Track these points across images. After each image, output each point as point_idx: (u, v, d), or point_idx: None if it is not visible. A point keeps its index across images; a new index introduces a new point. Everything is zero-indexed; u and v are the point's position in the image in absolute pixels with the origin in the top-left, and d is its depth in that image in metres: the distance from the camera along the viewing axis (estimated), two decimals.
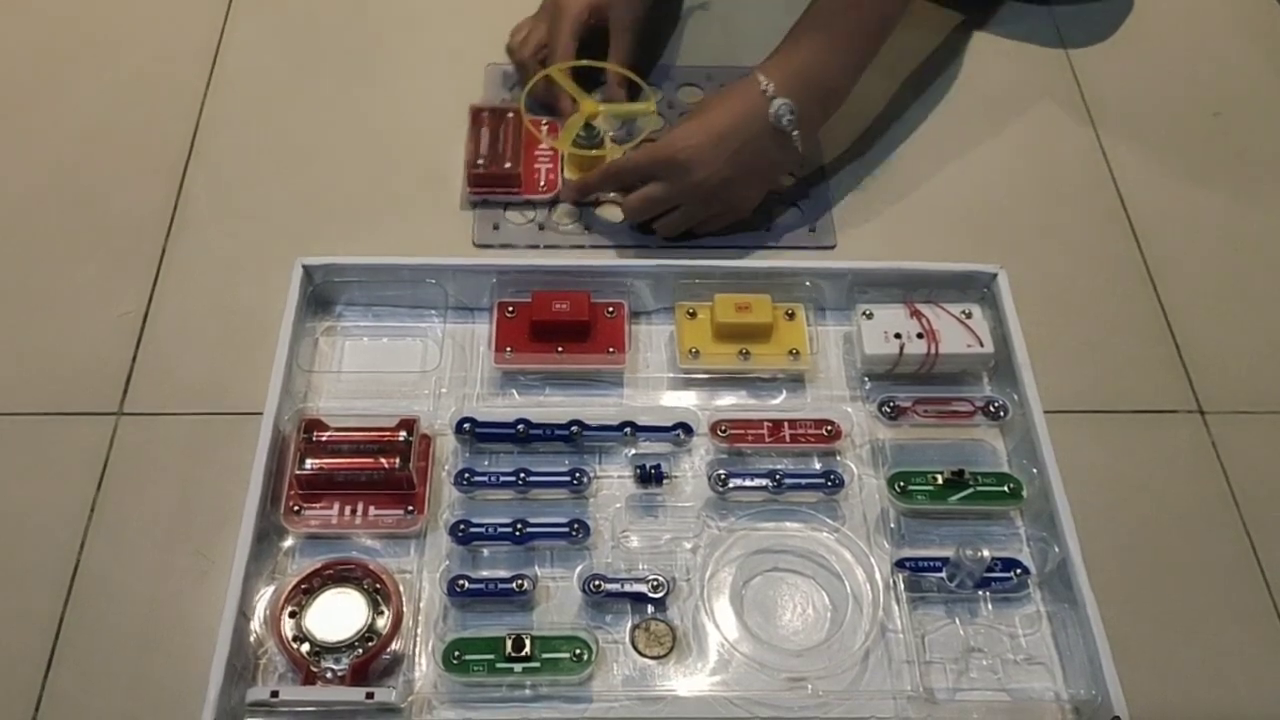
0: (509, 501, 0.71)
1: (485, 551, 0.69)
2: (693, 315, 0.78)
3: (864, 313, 0.76)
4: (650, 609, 0.67)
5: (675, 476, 0.72)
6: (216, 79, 0.94)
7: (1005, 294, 0.77)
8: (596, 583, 0.67)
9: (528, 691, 0.64)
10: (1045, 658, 0.67)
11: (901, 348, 0.75)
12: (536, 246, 0.84)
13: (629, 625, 0.67)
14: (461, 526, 0.69)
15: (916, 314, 0.76)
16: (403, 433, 0.70)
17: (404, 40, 0.98)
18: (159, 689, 0.65)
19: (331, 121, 0.92)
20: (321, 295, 0.79)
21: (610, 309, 0.78)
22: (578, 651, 0.64)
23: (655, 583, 0.67)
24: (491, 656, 0.64)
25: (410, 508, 0.70)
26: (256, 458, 0.68)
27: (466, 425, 0.73)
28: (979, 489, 0.71)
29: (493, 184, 0.85)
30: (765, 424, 0.73)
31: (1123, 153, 0.93)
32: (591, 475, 0.71)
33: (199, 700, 0.60)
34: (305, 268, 0.77)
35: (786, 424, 0.73)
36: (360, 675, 0.63)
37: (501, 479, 0.71)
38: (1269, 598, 0.71)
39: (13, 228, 0.85)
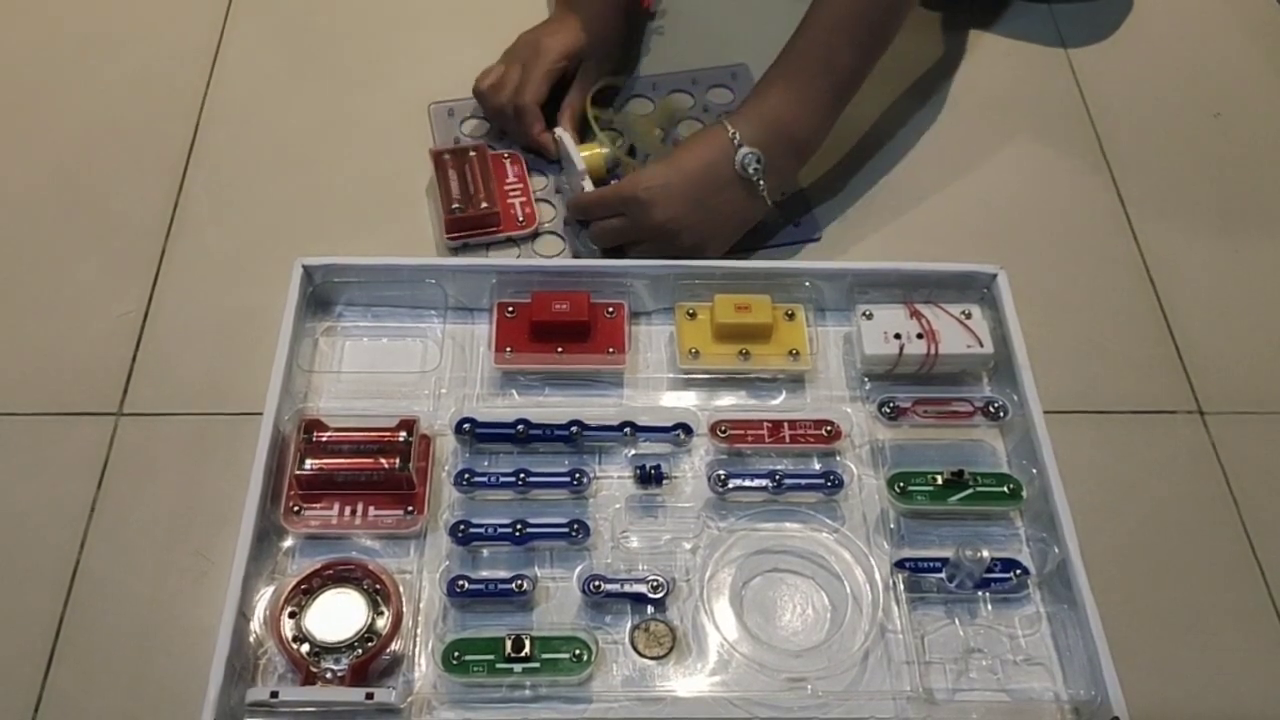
0: (509, 502, 0.71)
1: (485, 552, 0.69)
2: (693, 315, 0.78)
3: (864, 313, 0.76)
4: (650, 609, 0.67)
5: (675, 477, 0.72)
6: (217, 79, 0.94)
7: (1005, 294, 0.77)
8: (596, 583, 0.67)
9: (527, 692, 0.64)
10: (1045, 658, 0.67)
11: (901, 348, 0.75)
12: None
13: (629, 626, 0.67)
14: (461, 527, 0.69)
15: (916, 314, 0.76)
16: (403, 433, 0.70)
17: (404, 40, 0.98)
18: (159, 689, 0.65)
19: (331, 122, 0.92)
20: (321, 295, 0.79)
21: (610, 309, 0.78)
22: (577, 652, 0.64)
23: (655, 583, 0.67)
24: (491, 657, 0.64)
25: (410, 508, 0.70)
26: (256, 458, 0.68)
27: (466, 425, 0.73)
28: (978, 489, 0.71)
29: (471, 227, 0.83)
30: (765, 424, 0.73)
31: (1123, 152, 0.93)
32: (591, 476, 0.71)
33: (199, 700, 0.60)
34: (305, 268, 0.77)
35: (786, 424, 0.73)
36: (360, 676, 0.63)
37: (501, 479, 0.71)
38: (1269, 598, 0.71)
39: (13, 228, 0.85)
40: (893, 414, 0.74)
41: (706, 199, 0.79)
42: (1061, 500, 0.69)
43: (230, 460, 0.72)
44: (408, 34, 0.99)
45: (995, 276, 0.78)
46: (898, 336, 0.75)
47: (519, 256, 0.84)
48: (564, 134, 0.85)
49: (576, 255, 0.84)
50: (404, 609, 0.66)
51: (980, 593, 0.69)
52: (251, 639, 0.65)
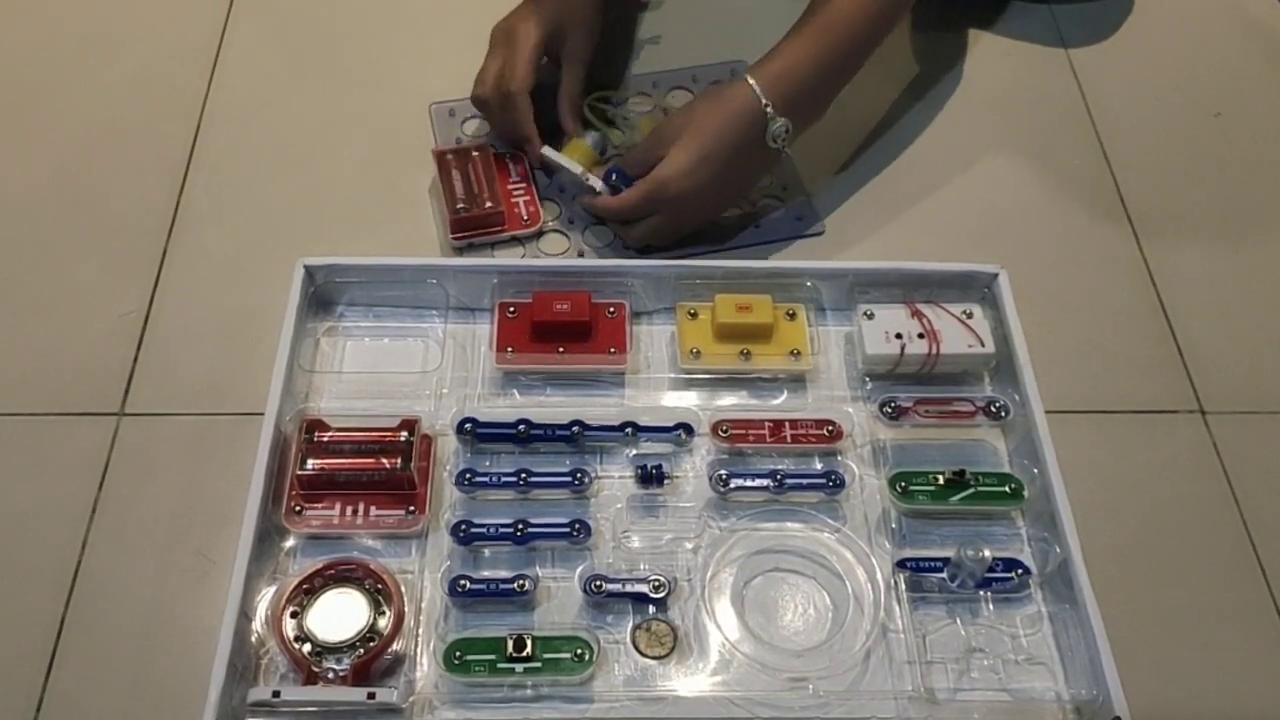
0: (510, 502, 0.71)
1: (486, 552, 0.70)
2: (694, 315, 0.78)
3: (865, 313, 0.76)
4: (651, 609, 0.67)
5: (676, 477, 0.72)
6: (218, 79, 0.95)
7: (1006, 294, 0.77)
8: (598, 583, 0.67)
9: (529, 692, 0.64)
10: (1046, 658, 0.67)
11: (902, 348, 0.75)
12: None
13: (630, 625, 0.67)
14: (463, 527, 0.69)
15: (917, 314, 0.76)
16: (404, 433, 0.70)
17: (405, 40, 0.98)
18: (160, 689, 0.65)
19: (333, 122, 0.92)
20: (323, 295, 0.79)
21: (611, 309, 0.78)
22: (579, 652, 0.64)
23: (656, 583, 0.67)
24: (493, 657, 0.64)
25: (411, 508, 0.70)
26: (258, 458, 0.68)
27: (468, 425, 0.73)
28: (980, 489, 0.71)
29: (475, 227, 0.83)
30: (766, 424, 0.73)
31: (1123, 152, 0.93)
32: (593, 475, 0.71)
33: (200, 700, 0.60)
34: (306, 268, 0.77)
35: (787, 424, 0.73)
36: (362, 675, 0.63)
37: (503, 479, 0.71)
38: (1270, 598, 0.71)
39: (14, 228, 0.85)
40: (894, 414, 0.74)
41: (732, 170, 0.79)
42: (1063, 500, 0.69)
43: (232, 460, 0.72)
44: (408, 34, 0.99)
45: (996, 276, 0.78)
46: (899, 336, 0.75)
47: (524, 255, 0.84)
48: (546, 150, 0.84)
49: (582, 253, 0.84)
50: (405, 609, 0.66)
51: (982, 592, 0.69)
52: (253, 639, 0.65)
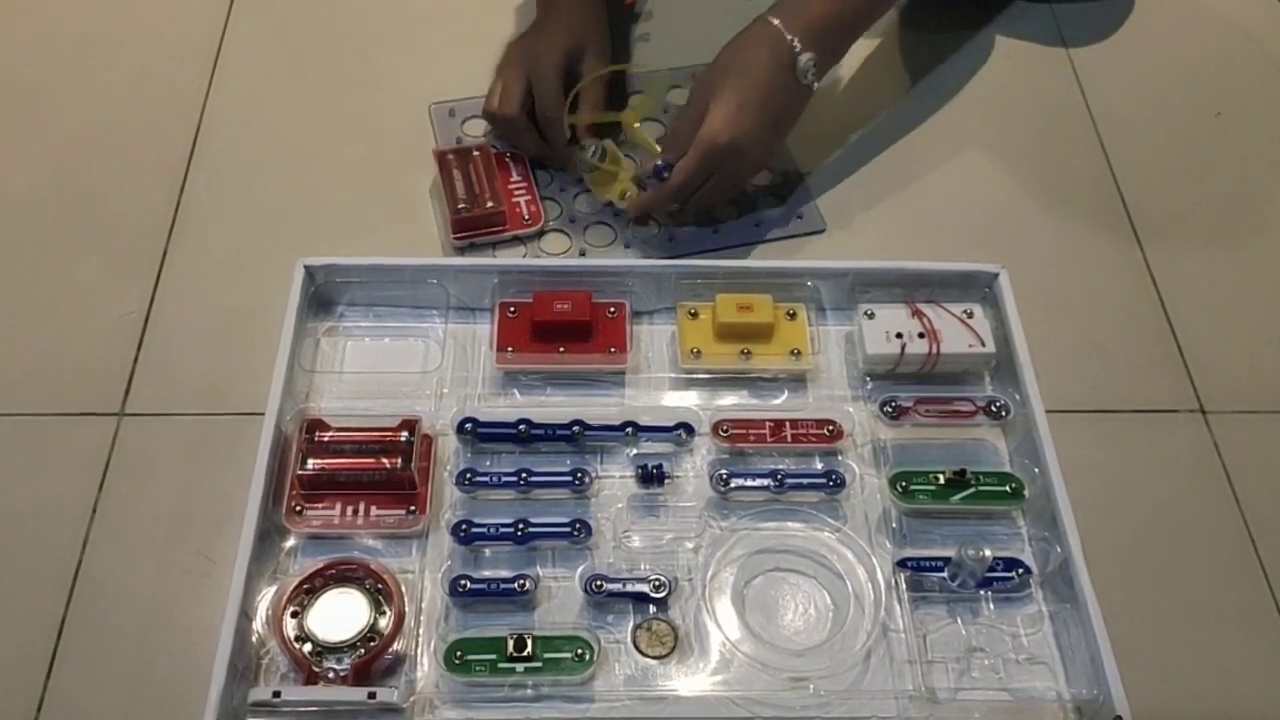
0: (511, 501, 0.71)
1: (487, 551, 0.69)
2: (694, 315, 0.78)
3: (865, 312, 0.76)
4: (652, 609, 0.67)
5: (677, 476, 0.72)
6: (218, 79, 0.94)
7: (1006, 294, 0.77)
8: (598, 583, 0.67)
9: (529, 691, 0.64)
10: (1047, 657, 0.67)
11: (903, 347, 0.75)
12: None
13: (631, 625, 0.67)
14: (463, 526, 0.69)
15: (918, 314, 0.76)
16: (404, 433, 0.70)
17: (405, 39, 0.98)
18: (161, 689, 0.65)
19: (333, 121, 0.92)
20: (323, 295, 0.79)
21: (611, 309, 0.78)
22: (579, 651, 0.64)
23: (657, 582, 0.67)
24: (493, 656, 0.64)
25: (412, 508, 0.70)
26: (258, 458, 0.68)
27: (468, 425, 0.73)
28: (980, 489, 0.71)
29: (477, 227, 0.83)
30: (767, 424, 0.73)
31: (1124, 152, 0.93)
32: (593, 475, 0.71)
33: (201, 700, 0.60)
34: (307, 268, 0.77)
35: (788, 424, 0.73)
36: (362, 675, 0.63)
37: (503, 479, 0.71)
38: (1270, 597, 0.71)
39: (14, 228, 0.85)
40: (894, 413, 0.74)
41: (771, 110, 0.79)
42: (1063, 499, 0.69)
43: (232, 460, 0.72)
44: (408, 34, 0.99)
45: (997, 276, 0.78)
46: (899, 336, 0.75)
47: (525, 255, 0.84)
48: (607, 143, 0.83)
49: (583, 253, 0.84)
50: (406, 609, 0.66)
51: (982, 592, 0.69)
52: (254, 639, 0.65)
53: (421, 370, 0.76)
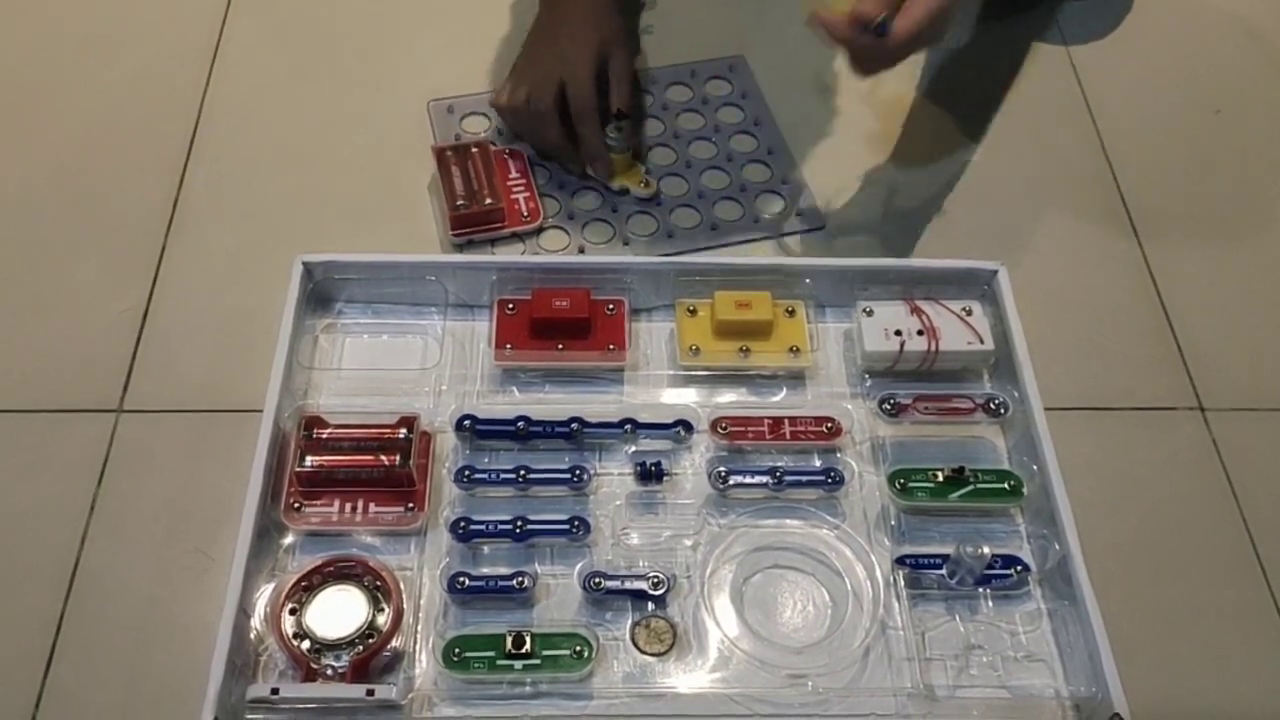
0: (509, 498, 0.71)
1: (485, 548, 0.69)
2: (693, 312, 0.78)
3: (864, 310, 0.76)
4: (651, 606, 0.67)
5: (675, 474, 0.72)
6: (216, 77, 0.94)
7: (1005, 291, 0.77)
8: (597, 580, 0.67)
9: (528, 689, 0.64)
10: (1045, 655, 0.67)
11: (902, 345, 0.75)
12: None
13: (629, 622, 0.67)
14: (462, 523, 0.69)
15: (917, 311, 0.76)
16: (403, 430, 0.70)
17: (403, 37, 0.98)
18: (159, 686, 0.65)
19: (331, 119, 0.92)
20: (321, 292, 0.79)
21: (610, 306, 0.78)
22: (578, 649, 0.64)
23: (656, 580, 0.67)
24: (492, 654, 0.64)
25: (410, 505, 0.70)
26: (257, 455, 0.68)
27: (467, 422, 0.73)
28: (979, 486, 0.71)
29: (475, 223, 0.83)
30: (765, 421, 0.73)
31: (1123, 149, 0.93)
32: (592, 472, 0.71)
33: (199, 697, 0.60)
34: (305, 265, 0.77)
35: (787, 421, 0.73)
36: (360, 672, 0.63)
37: (502, 476, 0.71)
38: (1269, 595, 0.71)
39: (13, 226, 0.85)
40: (893, 410, 0.74)
41: None
42: (1062, 497, 0.69)
43: (230, 457, 0.72)
44: (406, 31, 0.99)
45: (996, 273, 0.78)
46: (898, 333, 0.75)
47: (524, 252, 0.84)
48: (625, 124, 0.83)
49: (582, 250, 0.83)
50: (404, 606, 0.66)
51: (981, 589, 0.69)
52: (252, 636, 0.65)
53: (420, 367, 0.76)
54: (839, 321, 0.80)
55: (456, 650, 0.64)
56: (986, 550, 0.67)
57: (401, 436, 0.70)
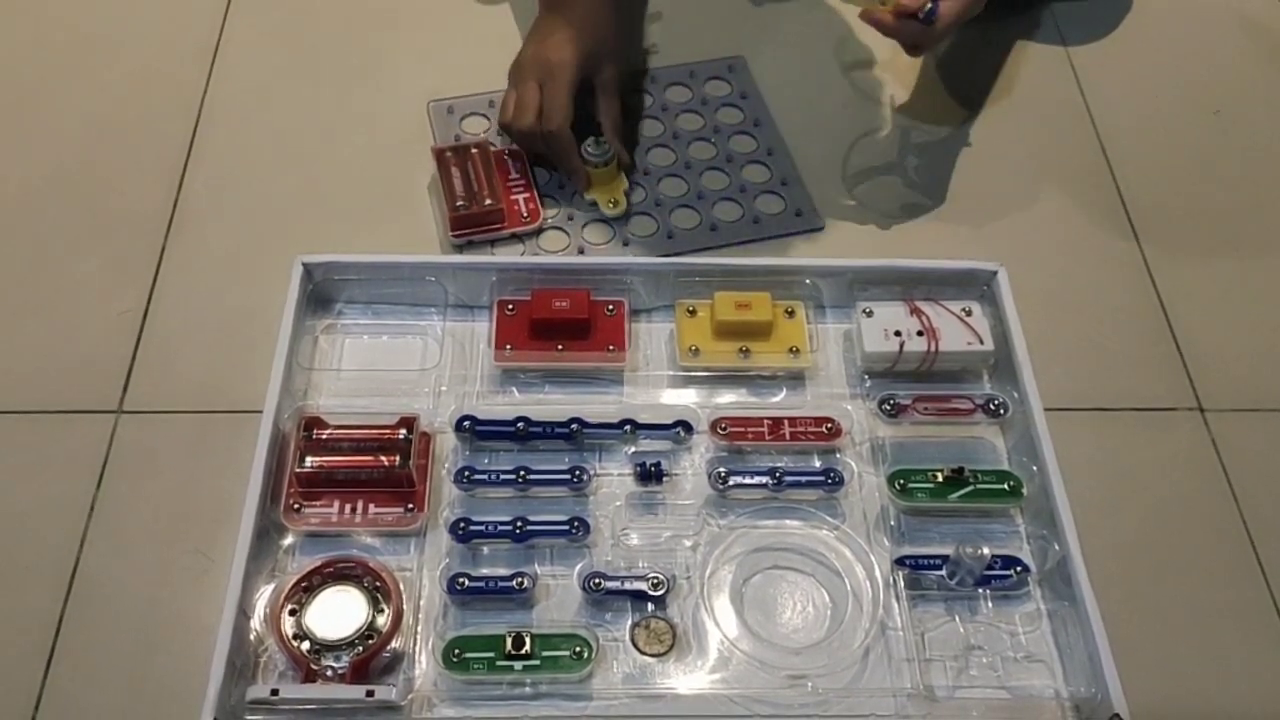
0: (509, 499, 0.71)
1: (485, 549, 0.69)
2: (693, 313, 0.78)
3: (864, 310, 0.76)
4: (650, 607, 0.67)
5: (675, 474, 0.72)
6: (216, 77, 0.94)
7: (1005, 292, 0.77)
8: (596, 580, 0.67)
9: (528, 689, 0.64)
10: (1045, 655, 0.67)
11: (901, 345, 0.75)
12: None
13: (629, 623, 0.67)
14: (461, 524, 0.69)
15: (916, 312, 0.76)
16: (403, 430, 0.70)
17: (404, 38, 0.98)
18: (159, 687, 0.65)
19: (331, 119, 0.92)
20: (321, 293, 0.79)
21: (610, 307, 0.78)
22: (578, 649, 0.64)
23: (655, 580, 0.67)
24: (491, 654, 0.64)
25: (410, 505, 0.70)
26: (256, 455, 0.68)
27: (466, 423, 0.73)
28: (979, 487, 0.71)
29: (475, 224, 0.83)
30: (765, 422, 0.73)
31: (1122, 150, 0.93)
32: (591, 473, 0.71)
33: (199, 698, 0.60)
34: (305, 266, 0.77)
35: (786, 422, 0.73)
36: (360, 673, 0.63)
37: (501, 477, 0.71)
38: (1269, 595, 0.71)
39: (13, 225, 0.85)
40: (893, 411, 0.74)
41: None
42: (1062, 497, 0.69)
43: (230, 458, 0.72)
44: (406, 31, 0.99)
45: (995, 274, 0.78)
46: (898, 334, 0.75)
47: (524, 253, 0.84)
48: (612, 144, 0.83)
49: (581, 250, 0.84)
50: (404, 606, 0.66)
51: (981, 590, 0.69)
52: (252, 637, 0.65)
53: (420, 368, 0.76)
54: (839, 322, 0.80)
55: (456, 651, 0.64)
56: (986, 551, 0.67)
57: (401, 437, 0.70)
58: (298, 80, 0.95)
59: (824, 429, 0.73)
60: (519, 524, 0.69)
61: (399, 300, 0.79)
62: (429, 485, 0.71)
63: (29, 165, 0.88)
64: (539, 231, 0.85)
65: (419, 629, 0.66)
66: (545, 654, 0.64)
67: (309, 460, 0.69)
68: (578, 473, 0.71)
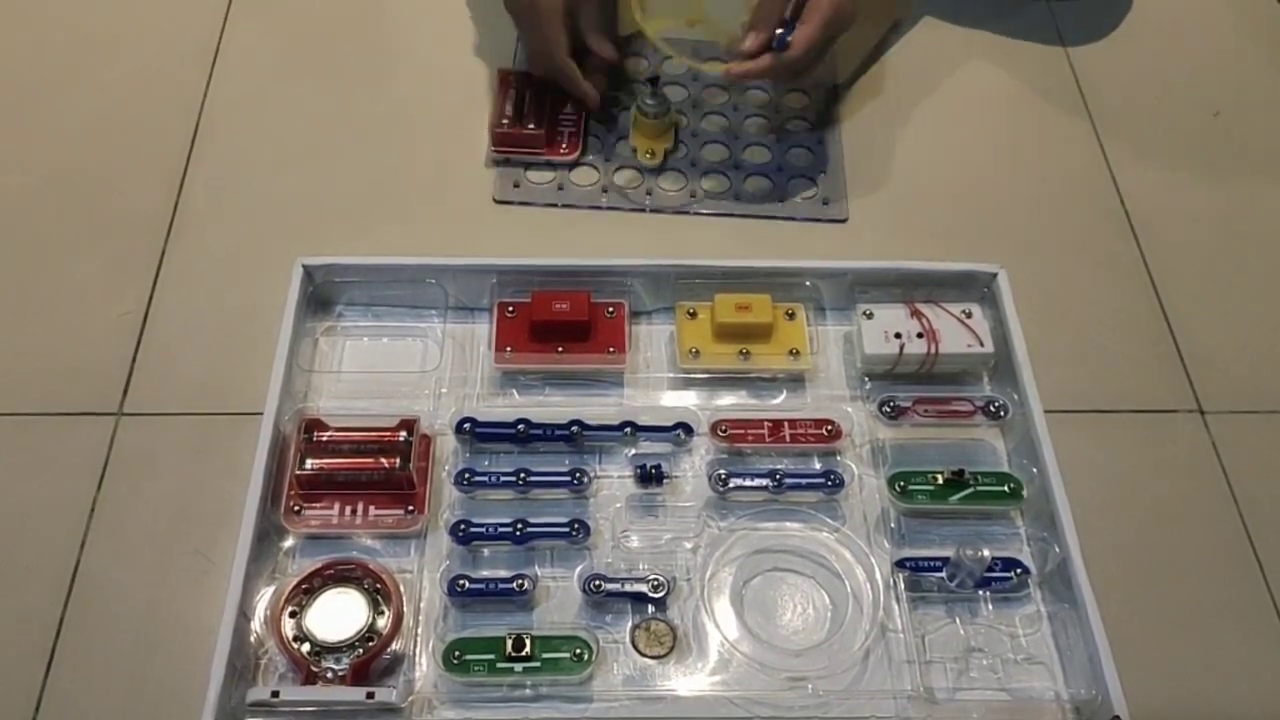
0: (509, 501, 0.71)
1: (485, 551, 0.69)
2: (693, 315, 0.78)
3: (864, 312, 0.76)
4: (650, 609, 0.67)
5: (675, 476, 0.72)
6: (216, 78, 0.94)
7: (1005, 294, 0.77)
8: (597, 582, 0.67)
9: (528, 691, 0.64)
10: (1045, 657, 0.67)
11: (901, 347, 0.75)
12: (555, 205, 0.86)
13: (629, 625, 0.67)
14: (462, 526, 0.69)
15: (917, 314, 0.76)
16: (403, 433, 0.70)
17: (404, 39, 0.98)
18: (159, 689, 0.65)
19: (331, 120, 0.92)
20: (322, 295, 0.79)
21: (610, 309, 0.78)
22: (578, 651, 0.64)
23: (655, 582, 0.67)
24: (492, 656, 0.64)
25: (410, 508, 0.70)
26: (257, 458, 0.68)
27: (467, 425, 0.73)
28: (979, 489, 0.71)
29: (515, 144, 0.88)
30: (765, 424, 0.73)
31: (1122, 151, 0.93)
32: (592, 475, 0.71)
33: (199, 700, 0.60)
34: (305, 267, 0.76)
35: (787, 424, 0.73)
36: (361, 675, 0.64)
37: (502, 479, 0.71)
38: (1269, 597, 0.71)
39: (13, 227, 0.85)
40: (893, 413, 0.74)
41: None
42: (1062, 499, 0.69)
43: (230, 460, 0.72)
44: (407, 31, 0.99)
45: (995, 276, 0.78)
46: (898, 336, 0.75)
47: (553, 180, 0.87)
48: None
49: (605, 190, 0.86)
50: (404, 608, 0.66)
51: (981, 592, 0.69)
52: (252, 639, 0.65)
53: (420, 370, 0.76)
54: (839, 324, 0.80)
55: (457, 653, 0.64)
56: (986, 553, 0.67)
57: (401, 439, 0.70)
58: (298, 80, 0.95)
59: (824, 431, 0.73)
60: (519, 526, 0.69)
61: (399, 302, 0.79)
62: (429, 487, 0.71)
63: (29, 165, 0.88)
64: (574, 165, 0.88)
65: (419, 631, 0.66)
66: (545, 656, 0.64)
67: (309, 462, 0.69)
68: (578, 475, 0.71)
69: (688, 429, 0.73)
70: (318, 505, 0.69)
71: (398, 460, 0.69)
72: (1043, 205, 0.89)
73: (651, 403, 0.76)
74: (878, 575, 0.69)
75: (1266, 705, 0.67)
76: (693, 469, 0.73)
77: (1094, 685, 0.64)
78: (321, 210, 0.86)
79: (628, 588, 0.67)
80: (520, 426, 0.72)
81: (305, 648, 0.64)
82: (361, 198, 0.87)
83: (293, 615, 0.65)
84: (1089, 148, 0.93)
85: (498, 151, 0.88)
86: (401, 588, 0.66)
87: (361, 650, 0.64)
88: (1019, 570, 0.69)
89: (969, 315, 0.77)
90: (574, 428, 0.72)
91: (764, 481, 0.71)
